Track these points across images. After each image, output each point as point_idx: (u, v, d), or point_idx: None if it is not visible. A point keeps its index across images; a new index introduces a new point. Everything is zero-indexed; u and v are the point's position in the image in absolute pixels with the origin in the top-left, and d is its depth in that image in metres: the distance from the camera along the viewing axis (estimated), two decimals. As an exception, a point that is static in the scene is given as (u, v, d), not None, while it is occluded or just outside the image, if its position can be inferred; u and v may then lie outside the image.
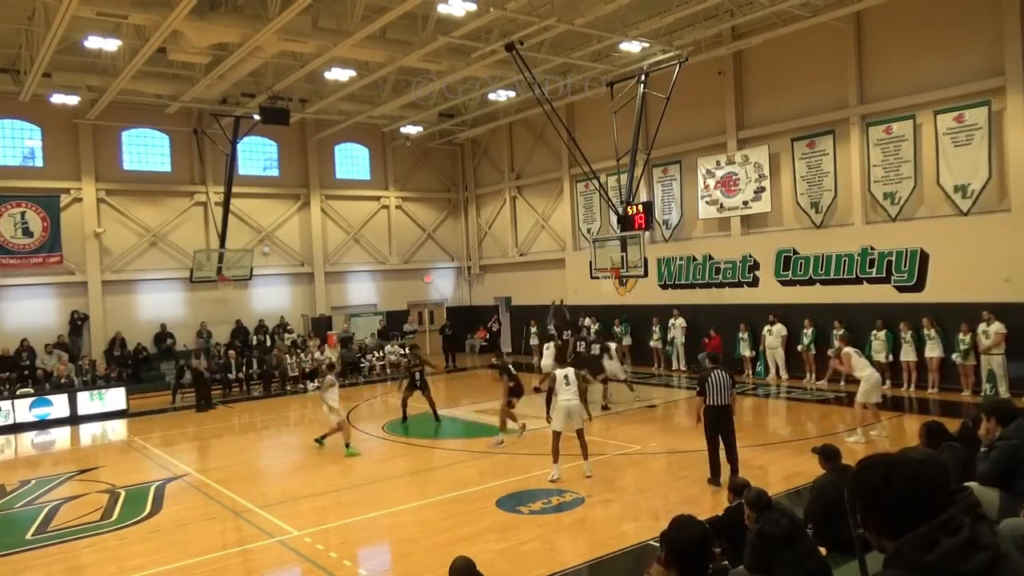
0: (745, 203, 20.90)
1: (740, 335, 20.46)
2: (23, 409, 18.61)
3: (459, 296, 32.13)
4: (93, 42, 17.12)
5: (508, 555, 8.12)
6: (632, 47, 18.96)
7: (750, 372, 20.31)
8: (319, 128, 27.27)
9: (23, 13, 17.14)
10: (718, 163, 21.45)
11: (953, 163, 16.65)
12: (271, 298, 27.07)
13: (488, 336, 29.59)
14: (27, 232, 22.37)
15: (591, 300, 24.84)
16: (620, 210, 20.24)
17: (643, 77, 20.07)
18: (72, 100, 21.41)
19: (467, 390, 21.68)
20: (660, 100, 19.56)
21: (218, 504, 10.92)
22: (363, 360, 25.00)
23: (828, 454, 6.68)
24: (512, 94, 23.16)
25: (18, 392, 19.33)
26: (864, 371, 12.46)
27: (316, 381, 23.12)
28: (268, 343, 25.11)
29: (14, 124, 22.85)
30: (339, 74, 20.29)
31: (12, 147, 22.99)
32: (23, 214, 22.29)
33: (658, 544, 4.08)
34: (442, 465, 12.54)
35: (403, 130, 27.83)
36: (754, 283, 20.78)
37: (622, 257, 19.81)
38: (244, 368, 22.76)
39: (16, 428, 18.20)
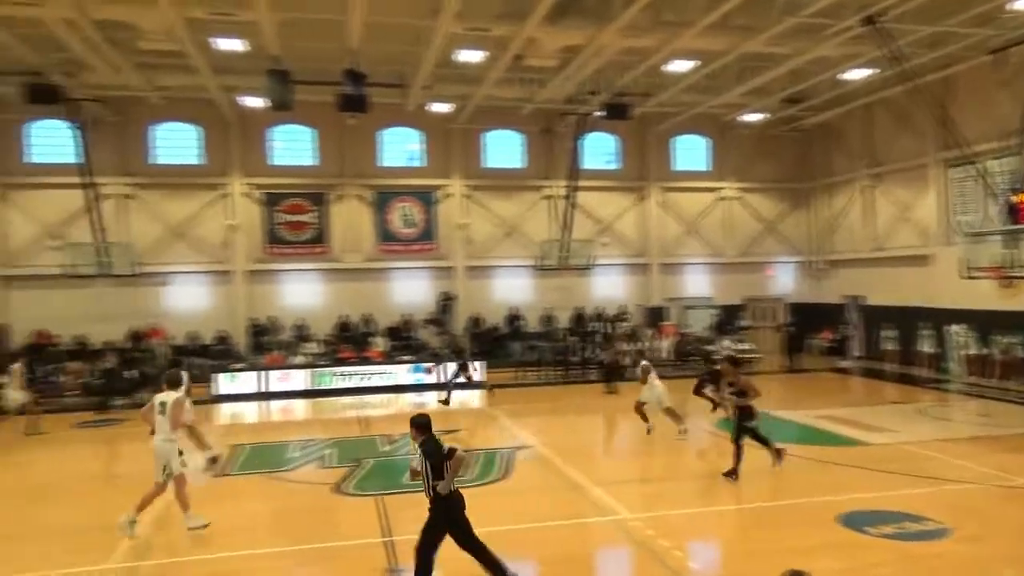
0: None
1: None
2: (404, 373, 21.95)
3: (801, 292, 30.10)
4: (462, 55, 19.64)
5: (851, 576, 7.46)
6: (1031, 4, 15.93)
7: None
8: (658, 120, 27.55)
9: (411, 36, 19.94)
10: None
11: None
12: (608, 287, 28.18)
13: (836, 339, 27.29)
14: (410, 223, 26.34)
15: (962, 303, 21.47)
16: (1006, 199, 17.24)
17: (1045, 38, 16.78)
18: (445, 108, 24.60)
19: (807, 393, 20.31)
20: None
21: (558, 477, 11.71)
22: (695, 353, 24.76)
23: None
24: (868, 72, 21.00)
25: (401, 359, 22.87)
26: None
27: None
28: (605, 330, 26.13)
29: (400, 131, 26.87)
30: (679, 66, 20.28)
31: (400, 151, 27.10)
32: (407, 208, 26.30)
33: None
34: (778, 469, 11.92)
35: (744, 118, 26.89)
36: None
37: (1008, 254, 16.89)
38: (582, 353, 24.02)
39: (399, 388, 21.51)
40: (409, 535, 8.86)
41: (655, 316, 27.49)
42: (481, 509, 10.01)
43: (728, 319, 27.61)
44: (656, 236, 28.59)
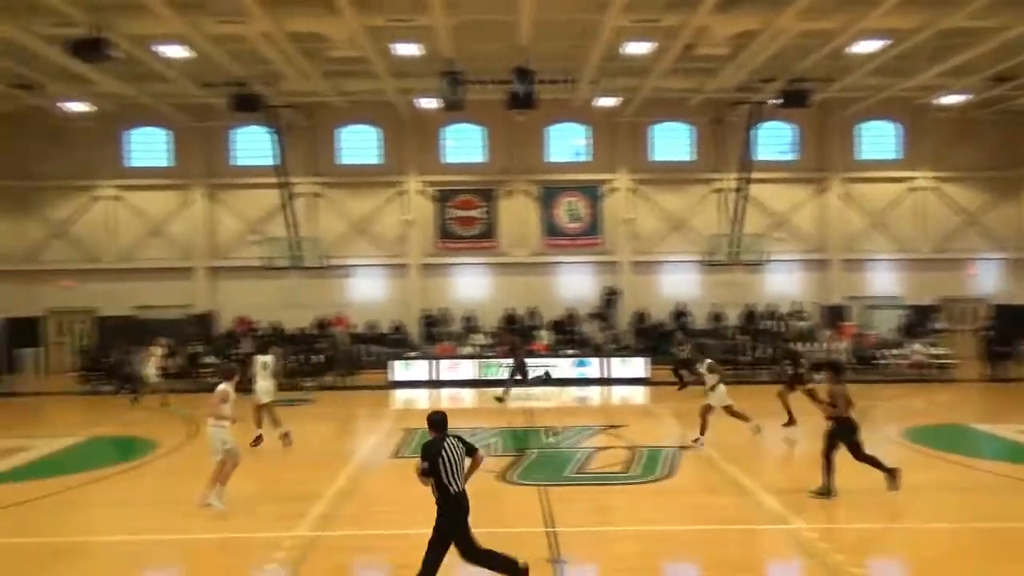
0: None
1: None
2: (567, 367, 22.10)
3: (1009, 292, 27.01)
4: (630, 48, 19.44)
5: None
6: None
7: None
8: (841, 106, 25.76)
9: (578, 31, 19.98)
10: None
11: None
12: (782, 284, 26.85)
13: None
14: (575, 217, 26.54)
15: None
16: None
17: None
18: (612, 101, 24.48)
19: (1013, 405, 18.27)
20: None
21: (723, 479, 11.34)
22: (880, 356, 22.97)
23: None
24: (1100, 41, 18.46)
25: (564, 352, 23.04)
26: None
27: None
28: (779, 329, 24.89)
29: (567, 126, 27.04)
30: (866, 47, 18.89)
31: (566, 146, 27.29)
32: (573, 202, 26.51)
33: None
34: (978, 488, 10.79)
35: (940, 101, 24.54)
36: None
37: None
38: (752, 352, 23.04)
39: (563, 382, 21.64)
40: (571, 527, 9.01)
41: (834, 315, 25.81)
42: (645, 507, 9.98)
43: (919, 320, 25.31)
44: (837, 230, 26.85)
